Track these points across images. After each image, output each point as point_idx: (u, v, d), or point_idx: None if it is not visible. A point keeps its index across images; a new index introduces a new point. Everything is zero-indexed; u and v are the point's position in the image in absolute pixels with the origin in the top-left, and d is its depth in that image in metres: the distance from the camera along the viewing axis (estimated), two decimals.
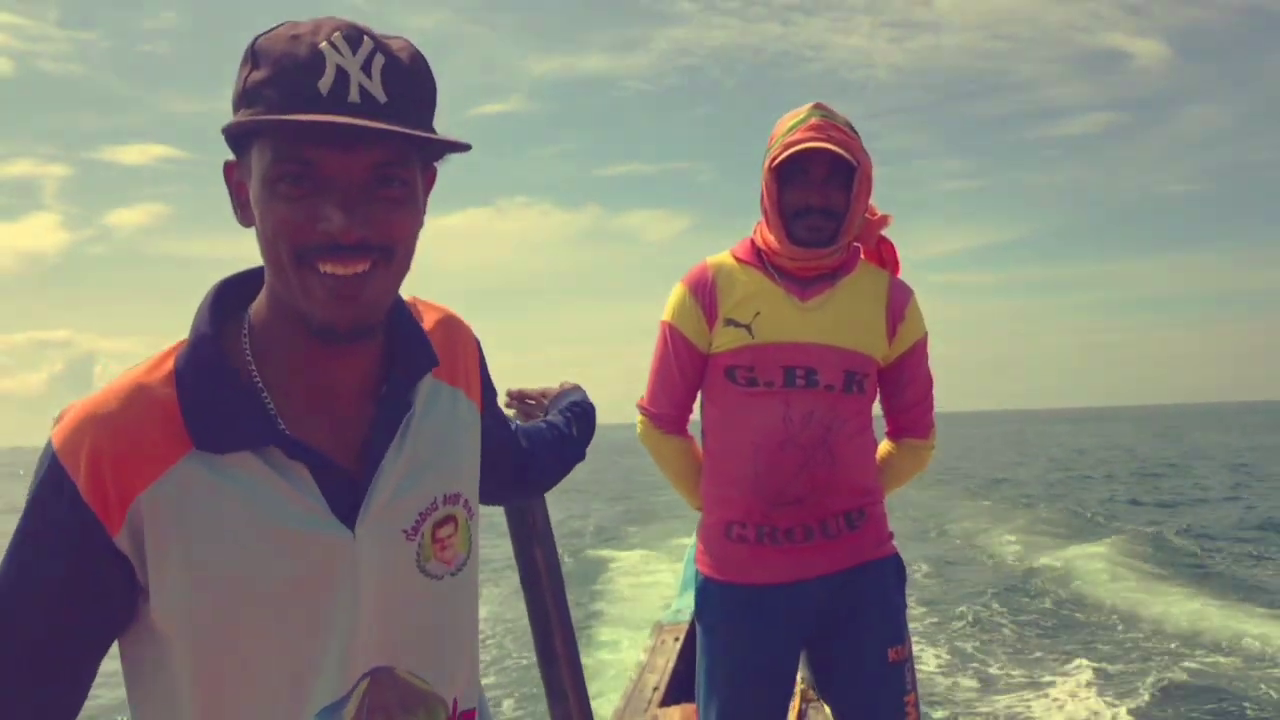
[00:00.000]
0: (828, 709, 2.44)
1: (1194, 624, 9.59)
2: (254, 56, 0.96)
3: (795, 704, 3.68)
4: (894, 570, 2.35)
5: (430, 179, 1.07)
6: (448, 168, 1.09)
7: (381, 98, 0.94)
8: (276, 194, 0.95)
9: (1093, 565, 12.91)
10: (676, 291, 2.35)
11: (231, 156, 1.02)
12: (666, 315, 2.36)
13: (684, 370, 2.34)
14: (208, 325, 1.03)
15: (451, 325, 1.22)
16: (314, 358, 1.04)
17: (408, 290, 1.13)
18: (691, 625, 2.50)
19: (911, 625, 2.40)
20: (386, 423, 1.06)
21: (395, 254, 0.99)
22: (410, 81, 0.98)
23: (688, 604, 2.72)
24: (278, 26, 0.97)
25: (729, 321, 2.27)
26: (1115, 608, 10.52)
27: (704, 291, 2.31)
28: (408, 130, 0.94)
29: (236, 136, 0.98)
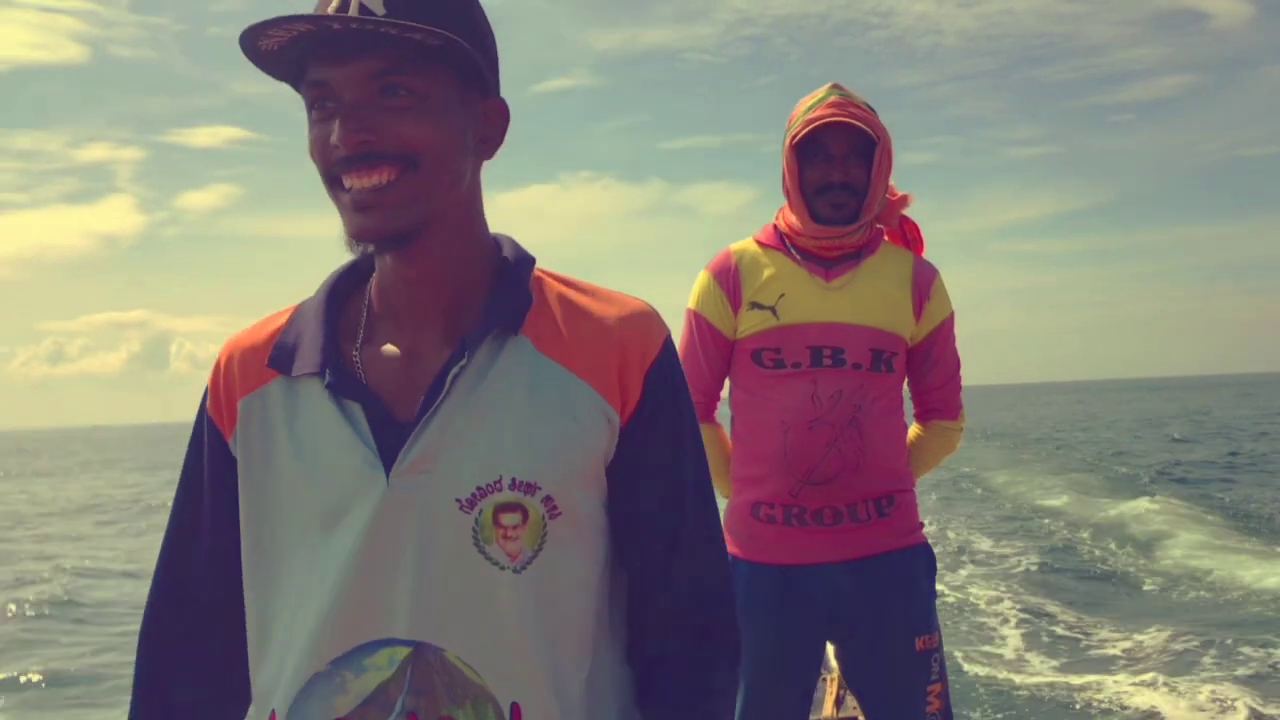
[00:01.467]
0: None
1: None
2: None
3: (833, 690, 3.66)
4: (923, 558, 2.34)
5: (495, 110, 1.09)
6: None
7: (380, 10, 0.98)
8: (310, 121, 1.03)
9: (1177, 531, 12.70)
10: (701, 279, 2.36)
11: None
12: (692, 303, 2.37)
13: (710, 357, 2.35)
14: (333, 275, 1.16)
15: (608, 321, 1.10)
16: (389, 289, 1.09)
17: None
18: None
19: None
20: (445, 376, 1.04)
21: (420, 163, 1.00)
22: None
23: None
24: None
25: (753, 305, 2.28)
26: (1189, 571, 10.35)
27: (728, 277, 2.32)
28: (366, 18, 0.96)
29: None
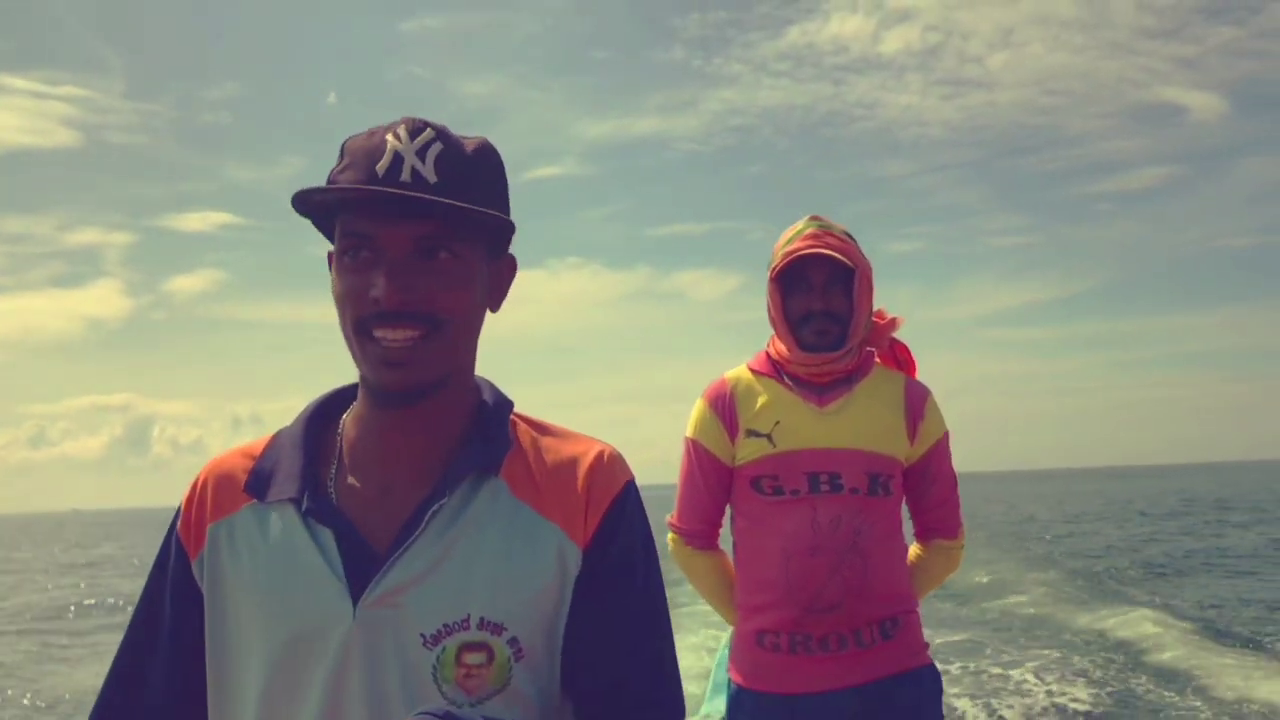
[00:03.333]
0: None
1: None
2: (341, 152, 1.06)
3: None
4: (929, 680, 2.31)
5: (507, 267, 1.13)
6: None
7: (432, 179, 1.01)
8: (342, 266, 1.04)
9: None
10: (697, 407, 2.38)
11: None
12: (689, 431, 2.39)
13: (710, 485, 2.36)
14: (313, 405, 1.16)
15: (576, 463, 1.11)
16: (378, 429, 1.09)
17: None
18: None
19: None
20: (424, 511, 1.04)
21: (444, 327, 1.03)
22: (466, 167, 1.04)
23: (717, 709, 2.65)
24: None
25: (750, 433, 2.29)
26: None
27: (723, 405, 2.34)
28: (434, 198, 0.99)
29: (332, 229, 1.08)
